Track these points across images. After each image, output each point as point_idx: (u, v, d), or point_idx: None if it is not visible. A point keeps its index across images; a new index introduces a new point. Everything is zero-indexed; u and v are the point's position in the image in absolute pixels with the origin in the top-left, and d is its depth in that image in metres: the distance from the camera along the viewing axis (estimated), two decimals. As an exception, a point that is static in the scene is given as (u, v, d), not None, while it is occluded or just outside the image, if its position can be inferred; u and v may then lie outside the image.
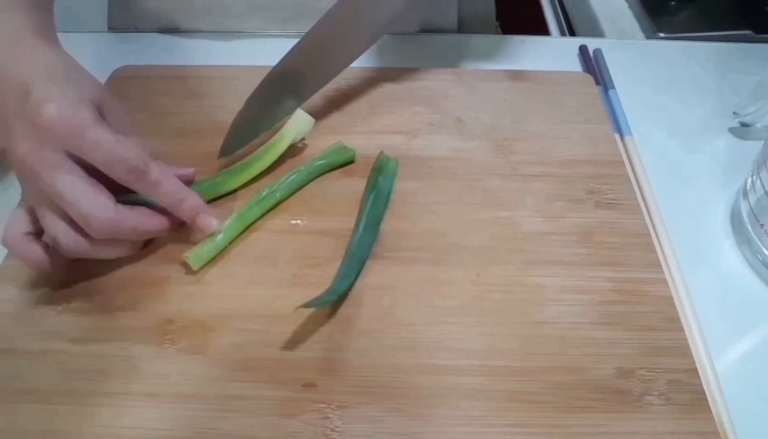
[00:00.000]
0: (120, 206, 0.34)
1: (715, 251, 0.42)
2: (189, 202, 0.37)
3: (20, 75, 0.33)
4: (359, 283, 0.38)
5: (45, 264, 0.35)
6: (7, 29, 0.35)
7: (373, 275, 0.38)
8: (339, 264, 0.38)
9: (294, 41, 0.44)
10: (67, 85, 0.33)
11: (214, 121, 0.46)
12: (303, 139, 0.44)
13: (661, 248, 0.40)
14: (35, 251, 0.35)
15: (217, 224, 0.38)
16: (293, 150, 0.44)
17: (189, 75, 0.51)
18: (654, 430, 0.32)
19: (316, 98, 0.48)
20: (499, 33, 0.68)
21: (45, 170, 0.32)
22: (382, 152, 0.44)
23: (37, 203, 0.34)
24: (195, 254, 0.38)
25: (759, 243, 0.40)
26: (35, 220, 0.35)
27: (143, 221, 0.36)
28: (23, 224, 0.35)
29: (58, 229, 0.34)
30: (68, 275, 0.37)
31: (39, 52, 0.35)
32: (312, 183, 0.43)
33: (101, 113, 0.34)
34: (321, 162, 0.43)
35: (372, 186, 0.41)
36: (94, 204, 0.33)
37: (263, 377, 0.34)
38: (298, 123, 0.43)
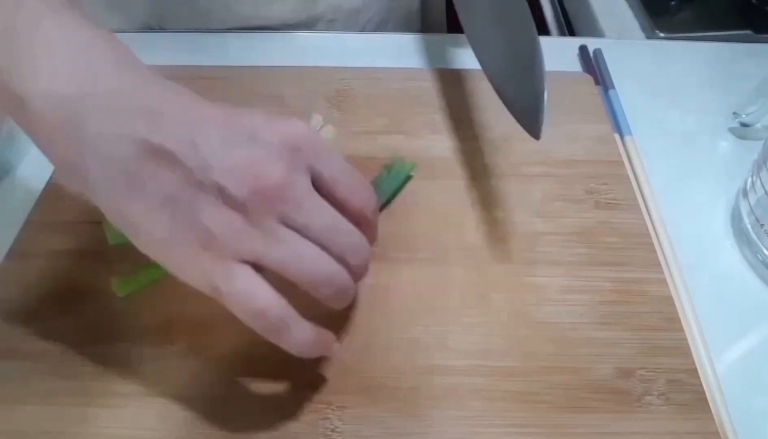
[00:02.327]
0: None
1: (715, 251, 0.41)
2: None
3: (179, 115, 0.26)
4: (359, 283, 0.37)
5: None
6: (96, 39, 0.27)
7: (373, 275, 0.38)
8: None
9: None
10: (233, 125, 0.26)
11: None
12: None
13: (661, 248, 0.40)
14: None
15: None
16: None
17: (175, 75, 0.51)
18: (654, 430, 0.32)
19: (318, 98, 0.49)
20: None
21: (301, 195, 0.26)
22: (397, 153, 0.43)
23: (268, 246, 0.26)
24: (121, 281, 0.35)
25: (759, 243, 0.40)
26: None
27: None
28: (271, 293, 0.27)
29: (328, 264, 0.27)
30: (68, 278, 0.37)
31: (144, 73, 0.27)
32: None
33: None
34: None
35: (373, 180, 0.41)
36: (354, 243, 0.28)
37: (263, 377, 0.33)
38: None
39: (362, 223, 0.29)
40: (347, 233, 0.28)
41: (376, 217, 0.30)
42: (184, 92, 0.27)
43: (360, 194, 0.29)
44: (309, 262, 0.27)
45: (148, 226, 0.26)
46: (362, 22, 0.62)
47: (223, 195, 0.25)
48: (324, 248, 0.27)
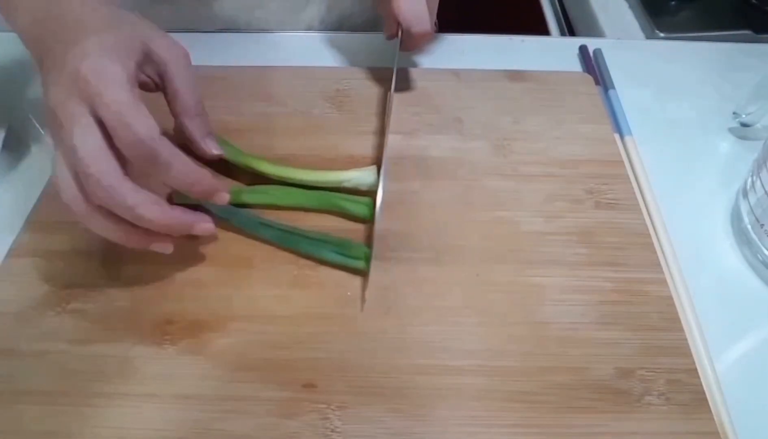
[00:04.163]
0: (127, 179, 0.32)
1: (715, 251, 0.41)
2: (204, 184, 0.35)
3: (76, 27, 0.33)
4: (359, 282, 0.38)
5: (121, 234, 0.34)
6: None
7: (373, 275, 0.38)
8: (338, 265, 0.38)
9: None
10: (112, 34, 0.33)
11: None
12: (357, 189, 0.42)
13: (661, 248, 0.40)
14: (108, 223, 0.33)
15: (228, 197, 0.36)
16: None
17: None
18: (654, 430, 0.32)
19: (318, 99, 0.49)
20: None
21: (66, 121, 0.31)
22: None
23: (54, 150, 0.33)
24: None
25: (759, 243, 0.40)
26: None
27: (147, 204, 0.32)
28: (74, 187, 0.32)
29: (64, 179, 0.32)
30: (68, 278, 0.37)
31: (101, 8, 0.35)
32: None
33: (143, 65, 0.34)
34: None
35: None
36: (103, 164, 0.31)
37: (263, 378, 0.34)
38: (363, 177, 0.42)
39: (137, 157, 0.32)
40: (96, 159, 0.31)
41: (156, 156, 0.32)
42: (93, 22, 0.34)
43: (126, 126, 0.31)
44: (55, 172, 0.33)
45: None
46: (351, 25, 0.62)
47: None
48: (74, 167, 0.32)
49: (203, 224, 0.36)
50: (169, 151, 0.33)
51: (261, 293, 0.37)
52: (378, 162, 0.43)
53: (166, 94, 0.38)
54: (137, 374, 0.34)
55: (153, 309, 0.36)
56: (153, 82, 0.38)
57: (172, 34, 0.37)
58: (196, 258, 0.39)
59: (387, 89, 0.49)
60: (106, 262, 0.38)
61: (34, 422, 0.32)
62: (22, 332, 0.35)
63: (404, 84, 0.50)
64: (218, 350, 0.35)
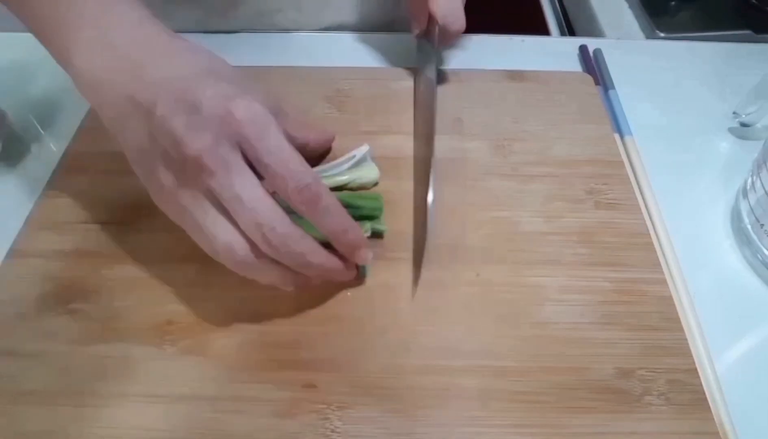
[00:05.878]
0: (295, 226, 0.31)
1: (715, 251, 0.41)
2: (352, 234, 0.33)
3: (168, 73, 0.31)
4: (359, 282, 0.37)
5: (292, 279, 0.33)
6: (130, 21, 0.32)
7: (373, 275, 0.38)
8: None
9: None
10: (240, 84, 0.31)
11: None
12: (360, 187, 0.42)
13: (661, 248, 0.40)
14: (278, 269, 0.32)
15: (371, 257, 0.35)
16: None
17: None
18: (654, 430, 0.32)
19: (317, 99, 0.49)
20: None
21: (222, 170, 0.29)
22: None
23: (203, 212, 0.30)
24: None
25: (759, 243, 0.40)
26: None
27: (315, 250, 0.32)
28: (242, 243, 0.31)
29: (232, 236, 0.30)
30: (68, 278, 0.37)
31: (170, 39, 0.32)
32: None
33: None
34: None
35: None
36: (273, 213, 0.30)
37: (263, 378, 0.34)
38: (366, 174, 0.42)
39: (303, 202, 0.31)
40: (265, 208, 0.30)
41: (319, 200, 0.31)
42: (172, 47, 0.32)
43: (293, 174, 0.30)
44: (210, 229, 0.30)
45: (134, 157, 0.32)
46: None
47: (165, 155, 0.30)
48: (238, 218, 0.30)
49: (364, 255, 0.34)
50: (329, 196, 0.31)
51: (261, 293, 0.37)
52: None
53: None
54: (137, 374, 0.34)
55: (153, 309, 0.36)
56: None
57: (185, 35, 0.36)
58: (196, 258, 0.38)
59: (387, 89, 0.49)
60: (106, 262, 0.38)
61: (34, 422, 0.32)
62: (22, 332, 0.35)
63: (405, 84, 0.50)
64: (218, 350, 0.35)
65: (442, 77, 0.51)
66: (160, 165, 0.31)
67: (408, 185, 0.43)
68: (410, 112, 0.48)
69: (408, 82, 0.50)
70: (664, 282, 0.38)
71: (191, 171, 0.29)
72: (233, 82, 0.31)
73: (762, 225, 0.40)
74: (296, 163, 0.30)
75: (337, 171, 0.41)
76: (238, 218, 0.30)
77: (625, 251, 0.39)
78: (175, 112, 0.29)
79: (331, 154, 0.44)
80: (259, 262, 0.31)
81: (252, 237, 0.30)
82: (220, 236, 0.30)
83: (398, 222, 0.41)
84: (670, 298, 0.37)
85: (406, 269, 0.38)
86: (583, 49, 0.55)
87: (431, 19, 0.46)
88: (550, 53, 0.56)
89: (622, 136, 0.47)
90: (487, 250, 0.39)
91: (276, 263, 0.32)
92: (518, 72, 0.51)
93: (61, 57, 0.33)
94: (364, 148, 0.42)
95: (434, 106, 0.45)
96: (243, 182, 0.29)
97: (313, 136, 0.39)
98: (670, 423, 0.32)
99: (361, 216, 0.38)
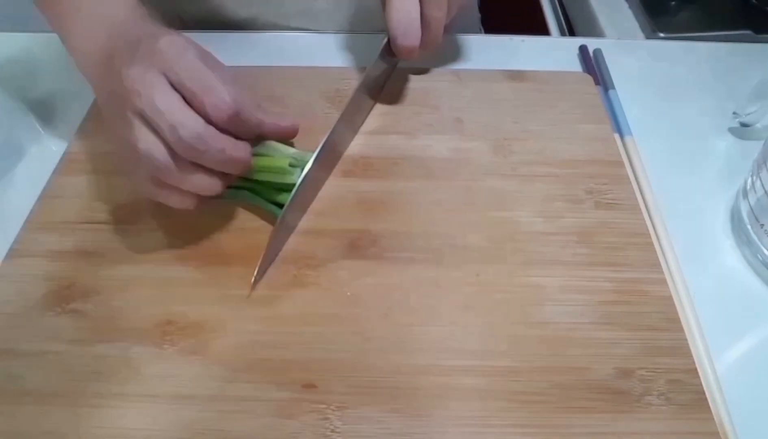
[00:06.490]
0: (209, 126, 0.34)
1: (715, 251, 0.41)
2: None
3: (135, 37, 0.36)
4: (359, 283, 0.38)
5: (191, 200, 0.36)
6: (128, 12, 0.40)
7: (373, 275, 0.38)
8: (338, 265, 0.38)
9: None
10: (177, 34, 0.36)
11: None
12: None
13: (661, 248, 0.40)
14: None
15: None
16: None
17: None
18: (654, 430, 0.32)
19: (317, 98, 0.49)
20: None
21: (146, 89, 0.33)
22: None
23: (130, 128, 0.34)
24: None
25: (759, 243, 0.40)
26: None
27: (231, 146, 0.35)
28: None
29: (153, 144, 0.34)
30: (68, 278, 0.37)
31: (153, 27, 0.38)
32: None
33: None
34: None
35: None
36: (186, 115, 0.33)
37: (263, 378, 0.34)
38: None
39: (221, 118, 0.34)
40: (182, 113, 0.33)
41: (237, 114, 0.35)
42: (144, 30, 0.38)
43: (210, 91, 0.34)
44: (134, 140, 0.34)
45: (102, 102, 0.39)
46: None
47: (114, 91, 0.36)
48: (157, 127, 0.33)
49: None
50: (249, 107, 0.36)
51: (261, 292, 0.37)
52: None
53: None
54: (137, 374, 0.34)
55: (153, 309, 0.36)
56: None
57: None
58: (196, 258, 0.39)
59: (387, 89, 0.49)
60: (106, 262, 0.38)
61: (34, 422, 0.32)
62: (22, 332, 0.35)
63: (405, 84, 0.50)
64: (218, 350, 0.35)
65: (404, 80, 0.50)
66: (112, 101, 0.36)
67: (408, 186, 0.43)
68: (408, 112, 0.48)
69: (407, 83, 0.50)
70: (664, 282, 0.38)
71: (126, 97, 0.34)
72: (179, 36, 0.36)
73: (762, 225, 0.40)
74: (212, 81, 0.34)
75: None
76: (157, 126, 0.33)
77: (625, 251, 0.39)
78: (124, 58, 0.35)
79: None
80: (177, 166, 0.34)
81: (170, 141, 0.33)
82: (141, 143, 0.34)
83: (398, 222, 0.41)
84: (670, 298, 0.37)
85: (406, 270, 0.38)
86: (583, 49, 0.55)
87: None
88: (550, 53, 0.56)
89: (622, 136, 0.47)
90: (487, 250, 0.39)
91: (196, 167, 0.35)
92: (518, 72, 0.51)
93: (67, 43, 0.40)
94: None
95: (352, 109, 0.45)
96: (164, 98, 0.33)
97: (269, 119, 0.40)
98: (670, 423, 0.32)
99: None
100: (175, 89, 0.34)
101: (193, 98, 0.34)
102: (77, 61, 0.40)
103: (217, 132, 0.34)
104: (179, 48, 0.34)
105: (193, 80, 0.34)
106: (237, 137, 0.36)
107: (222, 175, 0.36)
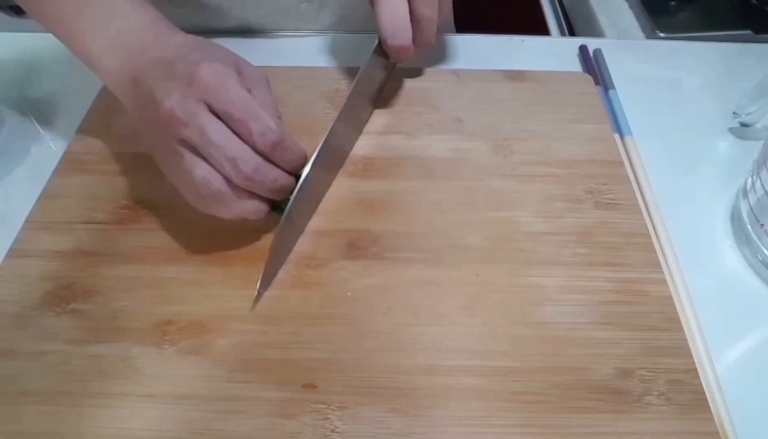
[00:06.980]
0: (261, 158, 0.35)
1: (715, 251, 0.41)
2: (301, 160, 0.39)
3: (161, 54, 0.36)
4: (359, 283, 0.38)
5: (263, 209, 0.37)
6: (143, 20, 0.39)
7: (373, 275, 0.38)
8: (338, 265, 0.38)
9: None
10: (211, 52, 0.36)
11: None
12: None
13: (661, 248, 0.40)
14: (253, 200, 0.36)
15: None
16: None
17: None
18: (654, 430, 0.32)
19: (317, 98, 0.49)
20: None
21: (193, 119, 0.33)
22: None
23: (181, 158, 0.34)
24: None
25: (759, 243, 0.40)
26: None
27: (282, 175, 0.36)
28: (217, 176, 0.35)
29: (209, 173, 0.34)
30: (68, 278, 0.37)
31: (174, 36, 0.38)
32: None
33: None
34: None
35: None
36: (241, 148, 0.34)
37: (263, 378, 0.34)
38: None
39: (265, 145, 0.35)
40: (235, 144, 0.34)
41: (282, 141, 0.35)
42: (167, 37, 0.38)
43: (255, 118, 0.34)
44: (187, 168, 0.34)
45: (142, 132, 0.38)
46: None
47: (152, 118, 0.35)
48: (210, 157, 0.34)
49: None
50: (290, 138, 0.36)
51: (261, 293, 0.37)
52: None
53: None
54: (137, 374, 0.34)
55: (153, 309, 0.36)
56: None
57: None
58: (196, 258, 0.39)
59: (386, 89, 0.49)
60: (106, 262, 0.38)
61: (33, 422, 0.32)
62: (22, 332, 0.35)
63: (405, 84, 0.50)
64: (218, 350, 0.35)
65: (404, 80, 0.50)
66: (150, 126, 0.35)
67: (408, 186, 0.43)
68: (408, 112, 0.48)
69: (407, 83, 0.50)
70: (664, 282, 0.38)
71: (167, 125, 0.34)
72: (213, 54, 0.36)
73: (762, 225, 0.40)
74: (257, 109, 0.34)
75: None
76: (211, 157, 0.34)
77: (625, 251, 0.39)
78: (156, 80, 0.35)
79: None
80: (233, 193, 0.35)
81: (225, 171, 0.34)
82: (197, 171, 0.34)
83: (398, 222, 0.41)
84: (670, 298, 0.37)
85: (406, 270, 0.38)
86: (583, 49, 0.55)
87: None
88: (550, 53, 0.56)
89: (622, 136, 0.47)
90: (487, 250, 0.39)
91: (248, 193, 0.36)
92: (518, 72, 0.51)
93: (87, 61, 0.39)
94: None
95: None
96: (211, 127, 0.33)
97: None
98: (670, 423, 0.32)
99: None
100: (218, 116, 0.34)
101: (239, 127, 0.34)
102: (105, 79, 0.39)
103: (268, 163, 0.35)
104: (221, 78, 0.34)
105: (238, 111, 0.34)
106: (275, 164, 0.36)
107: (268, 199, 0.37)
